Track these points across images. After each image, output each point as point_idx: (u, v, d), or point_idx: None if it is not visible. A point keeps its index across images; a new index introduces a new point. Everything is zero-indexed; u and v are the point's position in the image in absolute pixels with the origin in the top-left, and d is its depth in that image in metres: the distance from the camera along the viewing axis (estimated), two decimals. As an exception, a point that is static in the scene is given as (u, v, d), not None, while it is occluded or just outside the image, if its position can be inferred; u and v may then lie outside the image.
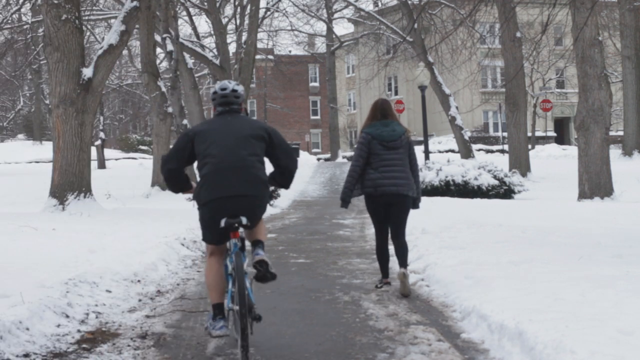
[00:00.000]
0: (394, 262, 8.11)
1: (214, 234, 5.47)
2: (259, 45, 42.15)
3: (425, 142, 24.97)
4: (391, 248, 7.97)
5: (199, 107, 32.57)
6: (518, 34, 26.71)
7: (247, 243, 5.66)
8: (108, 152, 56.65)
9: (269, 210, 18.40)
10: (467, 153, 33.13)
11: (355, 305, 7.16)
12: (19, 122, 72.06)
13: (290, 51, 63.46)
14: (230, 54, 36.28)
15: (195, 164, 5.61)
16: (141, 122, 72.29)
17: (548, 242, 9.88)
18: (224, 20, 35.96)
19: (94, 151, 44.26)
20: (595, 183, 16.97)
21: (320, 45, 62.26)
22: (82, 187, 14.90)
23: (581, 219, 12.97)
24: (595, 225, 11.78)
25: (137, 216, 14.09)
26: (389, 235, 7.94)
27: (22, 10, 33.66)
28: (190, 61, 32.44)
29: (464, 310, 6.51)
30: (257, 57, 41.50)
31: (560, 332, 5.06)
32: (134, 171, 38.44)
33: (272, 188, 6.09)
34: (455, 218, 12.81)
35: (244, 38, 34.41)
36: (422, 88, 25.02)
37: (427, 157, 24.29)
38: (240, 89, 5.77)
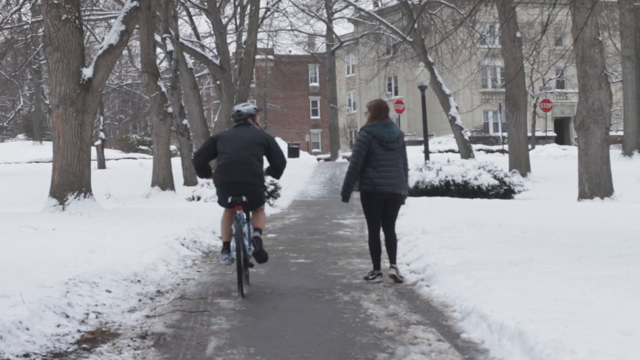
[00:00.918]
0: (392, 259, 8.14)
1: (224, 203, 7.98)
2: (259, 45, 42.15)
3: (425, 142, 24.97)
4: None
5: (199, 107, 32.57)
6: (518, 34, 26.71)
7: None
8: (108, 152, 56.66)
9: (269, 210, 18.39)
10: (467, 153, 33.13)
11: (355, 305, 7.16)
12: (19, 122, 72.06)
13: (290, 51, 63.47)
14: (230, 54, 36.27)
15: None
16: (141, 122, 72.29)
17: (548, 242, 9.88)
18: (224, 20, 35.96)
19: (94, 151, 44.26)
20: (595, 183, 16.96)
21: (320, 45, 62.28)
22: (82, 187, 14.90)
23: (581, 219, 12.97)
24: (595, 225, 11.77)
25: (137, 216, 14.09)
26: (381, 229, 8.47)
27: (22, 10, 33.67)
28: (190, 61, 32.44)
29: (464, 310, 6.51)
30: (257, 57, 41.49)
31: (560, 332, 5.06)
32: (134, 171, 38.43)
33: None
34: (455, 218, 12.81)
35: (244, 38, 34.42)
36: (422, 88, 25.02)
37: (427, 157, 24.29)
38: (246, 109, 8.24)
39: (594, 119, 16.90)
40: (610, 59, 41.28)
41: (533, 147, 45.31)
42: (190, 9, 36.51)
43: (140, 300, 7.52)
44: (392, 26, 36.84)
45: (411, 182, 19.39)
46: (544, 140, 55.08)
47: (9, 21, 31.51)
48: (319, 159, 52.48)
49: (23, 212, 15.10)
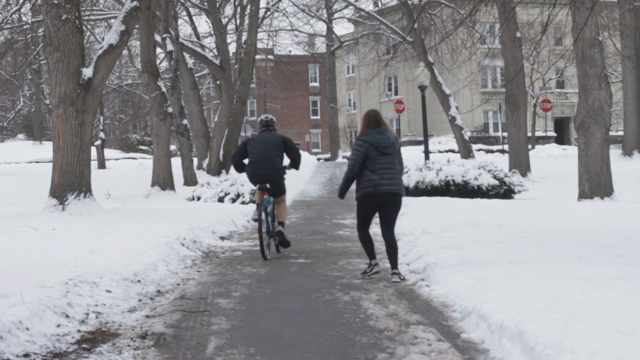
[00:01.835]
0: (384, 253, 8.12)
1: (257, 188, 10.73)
2: (259, 45, 42.14)
3: (425, 142, 24.97)
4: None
5: (199, 107, 32.59)
6: (518, 34, 26.70)
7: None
8: (108, 152, 56.66)
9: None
10: (467, 153, 33.13)
11: (355, 305, 7.16)
12: (19, 122, 72.07)
13: (290, 51, 63.47)
14: (230, 54, 36.27)
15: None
16: (141, 122, 72.29)
17: (548, 242, 9.88)
18: (224, 20, 35.96)
19: (94, 151, 44.26)
20: (595, 183, 16.96)
21: (320, 45, 62.27)
22: (82, 187, 14.90)
23: (581, 219, 12.97)
24: (595, 225, 11.77)
25: (137, 216, 14.09)
26: (374, 229, 8.93)
27: (22, 10, 33.67)
28: (190, 61, 32.45)
29: (464, 310, 6.51)
30: (257, 57, 41.49)
31: (560, 332, 5.06)
32: (134, 171, 38.42)
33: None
34: (455, 218, 12.80)
35: (244, 38, 34.40)
36: (422, 88, 25.01)
37: (427, 157, 24.28)
38: (268, 119, 10.98)
39: (594, 119, 16.90)
40: (610, 59, 41.26)
41: (533, 147, 45.30)
42: (190, 9, 36.52)
43: (140, 300, 7.52)
44: (392, 26, 36.83)
45: (411, 182, 19.39)
46: (544, 140, 55.08)
47: (9, 21, 31.50)
48: (319, 159, 52.46)
49: (23, 212, 15.10)
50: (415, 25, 31.37)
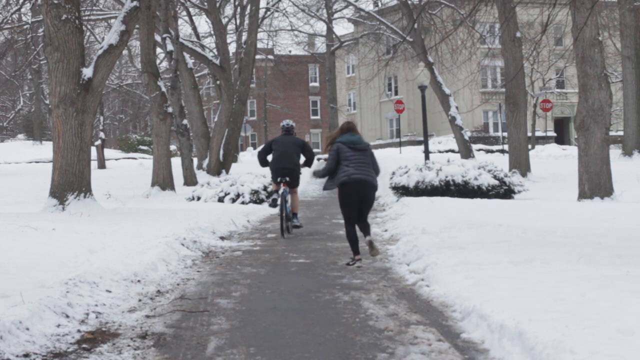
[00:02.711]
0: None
1: (275, 180, 13.15)
2: (259, 45, 42.16)
3: (425, 142, 24.95)
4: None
5: (199, 107, 32.59)
6: (518, 34, 26.69)
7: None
8: (108, 152, 56.68)
9: (269, 210, 18.39)
10: (467, 153, 33.13)
11: (355, 305, 7.16)
12: (19, 122, 72.05)
13: (290, 51, 63.49)
14: (230, 54, 36.28)
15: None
16: (141, 122, 72.30)
17: (548, 242, 9.88)
18: (224, 20, 35.97)
19: (94, 151, 44.29)
20: (595, 183, 16.95)
21: (320, 45, 62.25)
22: (82, 187, 14.90)
23: (581, 219, 12.96)
24: (595, 225, 11.77)
25: (137, 216, 14.09)
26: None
27: (22, 10, 33.63)
28: (190, 61, 32.45)
29: (464, 310, 6.50)
30: (257, 57, 41.51)
31: (560, 332, 5.06)
32: (134, 171, 38.44)
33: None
34: (455, 218, 12.81)
35: (244, 38, 34.42)
36: (422, 88, 24.99)
37: (427, 157, 24.27)
38: (289, 125, 13.56)
39: (594, 119, 16.89)
40: (610, 59, 41.29)
41: (533, 147, 45.31)
42: (190, 9, 36.53)
43: (140, 300, 7.52)
44: (392, 26, 36.83)
45: (411, 182, 19.39)
46: (544, 140, 55.09)
47: (9, 21, 31.49)
48: (319, 159, 52.37)
49: (23, 212, 15.10)
50: (415, 25, 31.38)
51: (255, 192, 19.70)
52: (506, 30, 25.82)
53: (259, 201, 19.58)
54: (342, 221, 15.65)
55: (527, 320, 5.46)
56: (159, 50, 32.69)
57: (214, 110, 68.45)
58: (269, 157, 13.43)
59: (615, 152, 31.74)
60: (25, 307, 6.09)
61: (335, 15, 53.35)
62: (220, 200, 19.81)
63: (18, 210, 16.25)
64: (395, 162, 27.41)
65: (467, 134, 34.38)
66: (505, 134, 38.20)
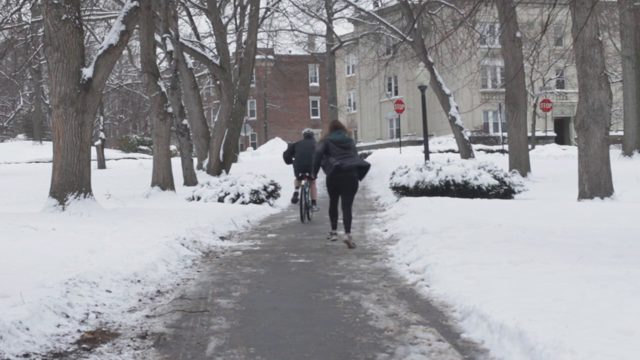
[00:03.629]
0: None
1: (297, 176, 16.17)
2: (259, 45, 42.14)
3: (425, 142, 24.94)
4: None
5: (199, 107, 32.59)
6: (518, 34, 26.68)
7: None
8: (108, 152, 56.65)
9: (269, 210, 18.40)
10: (467, 153, 33.12)
11: (355, 305, 7.16)
12: (19, 122, 72.04)
13: (290, 51, 63.46)
14: (230, 54, 36.27)
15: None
16: (141, 122, 72.29)
17: (548, 242, 9.88)
18: (224, 20, 35.97)
19: (94, 151, 44.27)
20: (595, 183, 16.95)
21: (320, 45, 62.22)
22: (82, 187, 14.90)
23: (581, 219, 12.96)
24: (595, 225, 11.77)
25: (137, 216, 14.09)
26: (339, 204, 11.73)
27: (22, 10, 33.63)
28: (190, 61, 32.45)
29: (464, 310, 6.50)
30: (257, 57, 41.50)
31: (560, 332, 5.06)
32: (134, 171, 38.44)
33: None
34: (455, 218, 12.81)
35: (244, 38, 34.41)
36: (422, 88, 24.99)
37: (427, 157, 24.26)
38: (310, 132, 16.87)
39: (594, 119, 16.89)
40: (610, 59, 41.29)
41: (533, 147, 45.30)
42: (190, 9, 36.52)
43: (140, 300, 7.52)
44: (392, 26, 36.82)
45: (411, 182, 19.39)
46: (544, 140, 55.08)
47: (9, 21, 31.49)
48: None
49: (23, 212, 15.10)
50: (415, 25, 31.37)
51: (255, 192, 19.69)
52: (506, 30, 25.82)
53: (259, 201, 19.57)
54: (343, 221, 15.70)
55: (527, 320, 5.46)
56: (159, 50, 32.68)
57: (214, 110, 68.44)
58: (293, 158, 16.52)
59: (615, 152, 31.73)
60: (25, 307, 6.09)
61: (335, 15, 53.31)
62: (220, 200, 19.81)
63: (18, 210, 16.25)
64: (395, 162, 27.42)
65: (467, 134, 34.37)
66: (505, 134, 38.20)
